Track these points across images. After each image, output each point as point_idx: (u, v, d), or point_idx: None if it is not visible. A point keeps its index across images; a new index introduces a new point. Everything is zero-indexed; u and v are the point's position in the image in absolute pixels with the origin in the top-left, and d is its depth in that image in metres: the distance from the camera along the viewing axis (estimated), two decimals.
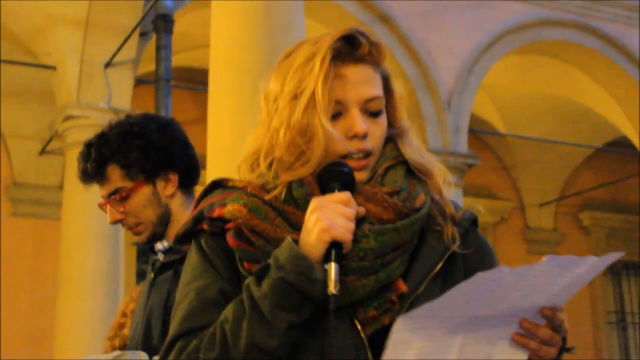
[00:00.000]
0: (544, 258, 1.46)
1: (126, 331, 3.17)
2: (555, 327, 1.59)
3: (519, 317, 1.54)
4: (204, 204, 1.73)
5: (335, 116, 1.68)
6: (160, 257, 2.75)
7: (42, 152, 10.67)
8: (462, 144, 10.31)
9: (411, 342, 1.48)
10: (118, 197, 2.70)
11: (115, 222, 2.75)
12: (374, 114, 1.71)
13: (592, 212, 15.03)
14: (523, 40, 11.00)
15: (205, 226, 1.70)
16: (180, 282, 1.73)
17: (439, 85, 10.23)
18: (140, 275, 10.80)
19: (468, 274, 1.59)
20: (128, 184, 2.69)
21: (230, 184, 1.75)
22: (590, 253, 14.83)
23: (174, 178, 2.74)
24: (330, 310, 1.53)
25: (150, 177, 2.70)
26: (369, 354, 1.60)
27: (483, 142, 14.07)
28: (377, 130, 1.71)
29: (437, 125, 10.20)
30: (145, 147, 2.68)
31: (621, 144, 13.41)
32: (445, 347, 1.51)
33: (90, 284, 8.10)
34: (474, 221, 1.81)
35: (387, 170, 1.73)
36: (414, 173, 1.76)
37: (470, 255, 1.75)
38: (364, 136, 1.68)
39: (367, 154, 1.70)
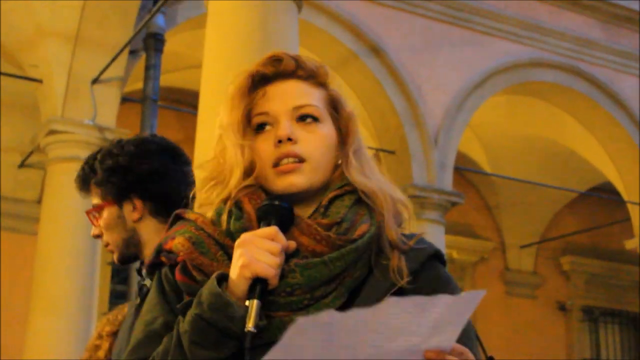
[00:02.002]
0: (387, 300, 1.36)
1: (101, 354, 3.17)
2: None
3: None
4: (165, 235, 1.73)
5: (263, 127, 1.70)
6: (147, 282, 2.69)
7: (22, 165, 10.56)
8: (447, 181, 10.26)
9: None
10: (93, 211, 2.77)
11: (95, 236, 2.81)
12: (306, 120, 1.70)
13: (572, 256, 15.02)
14: (513, 80, 11.01)
15: (163, 258, 1.70)
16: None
17: (427, 120, 10.19)
18: (114, 295, 10.68)
19: None
20: (100, 202, 2.75)
21: (186, 216, 1.74)
22: (568, 298, 14.82)
23: (139, 204, 2.72)
24: (246, 348, 1.50)
25: (117, 199, 2.73)
26: None
27: (467, 181, 14.06)
28: (311, 137, 1.69)
29: (423, 161, 10.15)
30: (112, 170, 2.72)
31: (605, 190, 13.40)
32: None
33: (64, 301, 7.97)
34: (434, 255, 1.72)
35: (332, 200, 1.69)
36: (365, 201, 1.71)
37: (423, 293, 1.52)
38: (290, 140, 1.66)
39: (298, 159, 1.67)
